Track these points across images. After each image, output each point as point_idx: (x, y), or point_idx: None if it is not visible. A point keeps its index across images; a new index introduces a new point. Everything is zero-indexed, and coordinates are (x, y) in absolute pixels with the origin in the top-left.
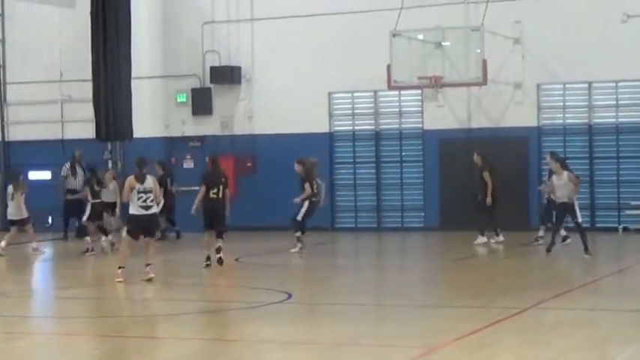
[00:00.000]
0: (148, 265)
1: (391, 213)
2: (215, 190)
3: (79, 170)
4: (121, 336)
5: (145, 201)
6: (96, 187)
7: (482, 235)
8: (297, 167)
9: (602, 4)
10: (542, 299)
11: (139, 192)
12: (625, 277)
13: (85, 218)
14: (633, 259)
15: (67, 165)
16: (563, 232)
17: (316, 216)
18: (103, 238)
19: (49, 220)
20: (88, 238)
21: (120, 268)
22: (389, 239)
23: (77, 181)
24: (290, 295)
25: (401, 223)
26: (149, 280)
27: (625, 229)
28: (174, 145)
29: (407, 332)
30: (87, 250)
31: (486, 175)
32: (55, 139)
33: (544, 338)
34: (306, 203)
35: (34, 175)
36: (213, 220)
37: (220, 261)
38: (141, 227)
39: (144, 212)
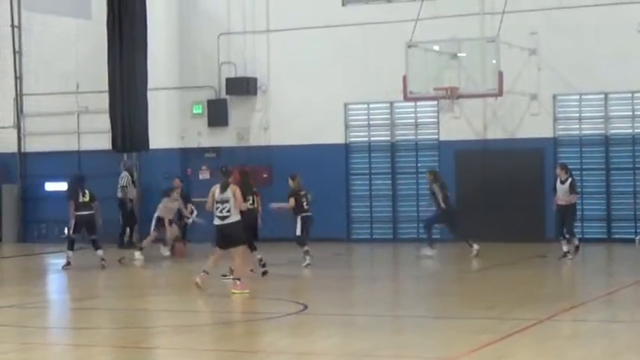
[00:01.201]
0: (235, 279)
1: (407, 224)
2: (251, 201)
3: (134, 178)
4: (137, 347)
5: (221, 211)
6: (82, 199)
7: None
8: (289, 182)
9: (618, 14)
10: (558, 311)
11: (217, 202)
12: None
13: (71, 231)
14: None
15: (126, 173)
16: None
17: (332, 227)
18: (70, 253)
19: (65, 231)
20: (70, 252)
21: (203, 271)
22: (405, 250)
23: (135, 190)
24: (306, 307)
25: (417, 234)
26: (235, 293)
27: None
28: (189, 156)
29: (422, 344)
30: (68, 264)
31: (435, 187)
32: (71, 150)
33: (560, 350)
34: (298, 219)
35: (50, 186)
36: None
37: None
38: (220, 237)
39: (220, 222)
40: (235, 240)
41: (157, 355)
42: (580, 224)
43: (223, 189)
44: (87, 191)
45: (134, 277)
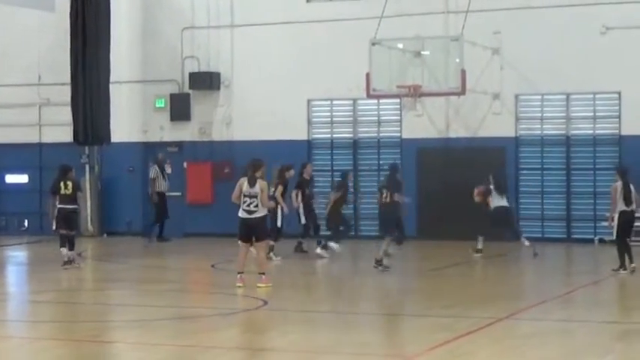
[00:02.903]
0: (260, 273)
1: (368, 222)
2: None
3: (165, 172)
4: (95, 341)
5: (248, 205)
6: (63, 191)
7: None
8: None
9: (581, 16)
10: (517, 310)
11: (244, 195)
12: (600, 289)
13: (53, 227)
14: (608, 270)
15: (156, 167)
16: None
17: (294, 223)
18: (64, 251)
19: (25, 223)
20: (63, 250)
21: (238, 273)
22: (366, 248)
23: (166, 183)
24: (266, 302)
25: (378, 231)
26: (261, 287)
27: (601, 240)
28: (152, 150)
29: (383, 341)
30: (69, 262)
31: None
32: (32, 143)
33: (518, 349)
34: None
35: (10, 178)
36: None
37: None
38: (245, 230)
39: (247, 216)
40: (262, 234)
41: (113, 350)
42: (540, 224)
43: (252, 183)
44: (69, 182)
45: (96, 272)
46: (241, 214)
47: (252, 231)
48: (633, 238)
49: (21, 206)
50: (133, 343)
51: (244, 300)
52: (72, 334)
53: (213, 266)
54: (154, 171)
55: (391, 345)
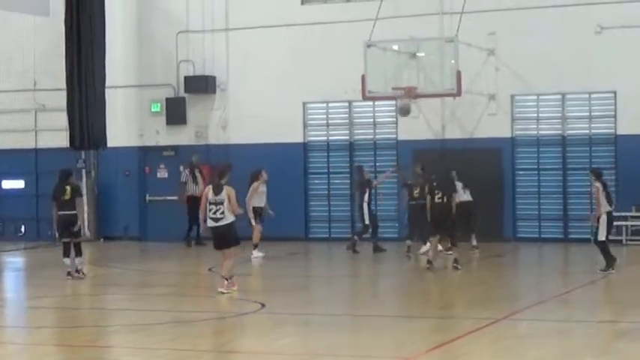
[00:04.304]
0: (224, 278)
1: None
2: None
3: (198, 175)
4: (92, 346)
5: (214, 213)
6: (63, 197)
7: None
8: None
9: (576, 16)
10: (515, 310)
11: (209, 203)
12: (597, 289)
13: (57, 234)
14: (598, 271)
15: (187, 171)
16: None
17: (290, 226)
18: (67, 261)
19: (22, 229)
20: (66, 260)
21: (223, 277)
22: (362, 249)
23: (197, 187)
24: (263, 305)
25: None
26: (225, 293)
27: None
28: (148, 154)
29: (381, 343)
30: (77, 271)
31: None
32: (28, 148)
33: (517, 349)
34: None
35: (7, 184)
36: None
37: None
38: (215, 239)
39: (214, 224)
40: (230, 241)
41: (111, 354)
42: (537, 224)
43: (217, 191)
44: (68, 188)
45: (93, 277)
46: (209, 222)
47: (222, 238)
48: (633, 238)
49: (18, 212)
50: (131, 347)
51: (242, 303)
52: (70, 340)
53: (210, 270)
54: (184, 175)
55: (389, 347)
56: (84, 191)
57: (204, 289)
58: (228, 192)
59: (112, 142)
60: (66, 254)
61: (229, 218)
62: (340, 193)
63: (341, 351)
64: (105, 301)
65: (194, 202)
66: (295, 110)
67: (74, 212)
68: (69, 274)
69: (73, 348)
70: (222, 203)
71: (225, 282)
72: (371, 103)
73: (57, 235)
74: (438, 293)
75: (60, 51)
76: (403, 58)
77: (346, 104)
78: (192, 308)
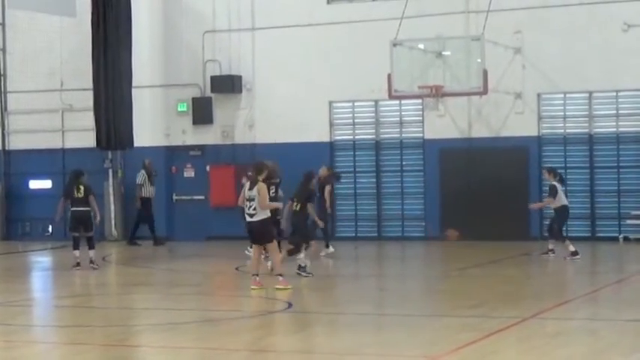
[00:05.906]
0: (277, 275)
1: (391, 222)
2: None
3: (152, 177)
4: (121, 345)
5: (249, 208)
6: (76, 195)
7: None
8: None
9: (603, 13)
10: (543, 309)
11: (246, 199)
12: (625, 287)
13: (69, 229)
14: (633, 268)
15: (143, 172)
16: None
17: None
18: (77, 253)
19: (50, 229)
20: (76, 252)
21: (252, 275)
22: (389, 249)
23: (152, 189)
24: (290, 305)
25: (401, 232)
26: (279, 289)
27: (625, 238)
28: (174, 154)
29: (407, 342)
30: (90, 262)
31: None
32: (55, 148)
33: (544, 348)
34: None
35: (34, 184)
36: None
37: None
38: (250, 234)
39: (248, 219)
40: (264, 237)
41: (140, 353)
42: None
43: (252, 186)
44: (81, 186)
45: (120, 276)
46: (245, 217)
47: (255, 234)
48: None
49: (45, 212)
50: (159, 346)
51: (268, 302)
52: (98, 339)
53: (237, 269)
54: (141, 177)
55: (417, 345)
56: (110, 190)
57: (232, 288)
58: (259, 188)
59: (138, 142)
60: (76, 247)
61: (261, 215)
62: (367, 192)
63: (368, 350)
64: (133, 300)
65: (146, 203)
66: (321, 109)
67: (88, 209)
68: (78, 264)
69: (102, 347)
70: (254, 199)
71: (280, 278)
72: (397, 102)
73: (68, 228)
74: (465, 292)
75: (87, 51)
76: (429, 56)
77: (372, 103)
78: (220, 307)
